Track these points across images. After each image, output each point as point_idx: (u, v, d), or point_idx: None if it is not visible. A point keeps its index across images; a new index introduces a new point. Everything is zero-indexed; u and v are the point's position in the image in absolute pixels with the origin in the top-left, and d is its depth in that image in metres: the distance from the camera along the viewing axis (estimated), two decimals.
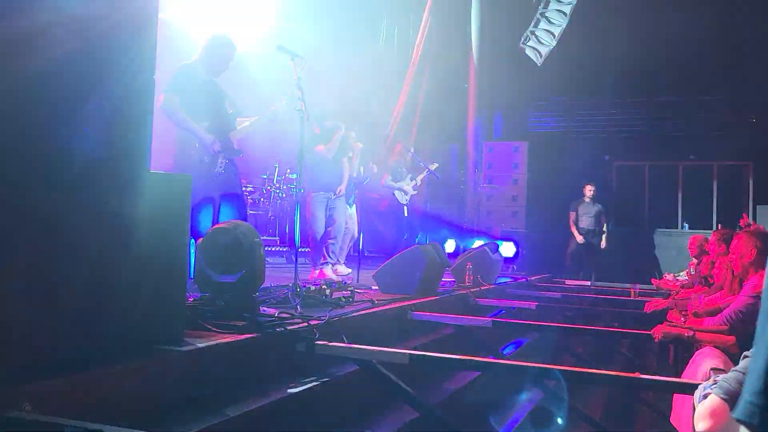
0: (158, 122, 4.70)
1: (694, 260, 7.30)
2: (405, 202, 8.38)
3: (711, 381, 1.73)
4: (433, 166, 8.56)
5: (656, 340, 3.82)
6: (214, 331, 2.75)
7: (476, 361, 3.46)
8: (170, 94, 4.47)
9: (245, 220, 4.74)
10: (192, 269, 3.16)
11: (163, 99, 4.46)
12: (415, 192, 8.54)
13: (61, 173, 2.00)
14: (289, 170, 9.07)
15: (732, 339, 3.56)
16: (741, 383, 1.60)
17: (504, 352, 4.84)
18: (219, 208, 4.61)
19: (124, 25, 2.28)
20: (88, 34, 2.11)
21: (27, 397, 1.75)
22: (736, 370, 1.63)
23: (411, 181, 8.44)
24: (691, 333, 3.67)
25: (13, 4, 1.89)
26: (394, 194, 8.40)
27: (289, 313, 3.34)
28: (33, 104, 1.93)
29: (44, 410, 1.76)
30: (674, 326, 3.96)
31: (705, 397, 1.61)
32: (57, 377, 1.86)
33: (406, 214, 8.36)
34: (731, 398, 1.55)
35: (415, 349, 3.81)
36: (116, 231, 2.21)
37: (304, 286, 4.05)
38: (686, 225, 11.44)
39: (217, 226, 3.28)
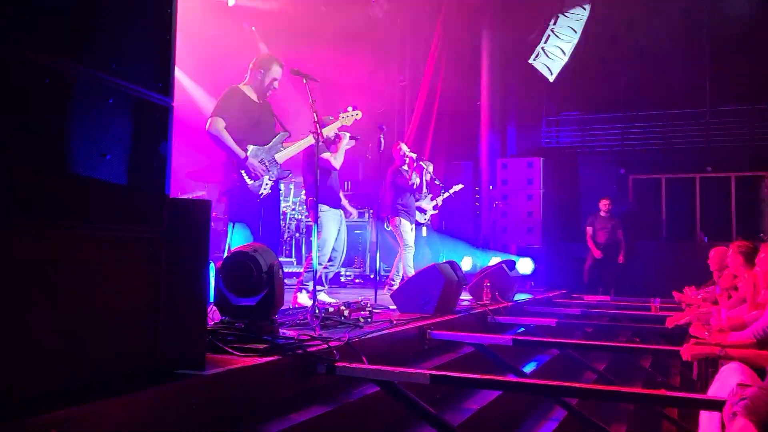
0: (207, 144, 4.74)
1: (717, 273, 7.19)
2: (424, 222, 7.91)
3: (739, 397, 1.71)
4: (457, 187, 8.39)
5: (687, 359, 3.67)
6: (235, 354, 2.76)
7: (497, 380, 3.44)
8: (216, 117, 4.50)
9: (277, 242, 4.72)
10: (212, 293, 3.17)
11: (209, 122, 4.52)
12: (436, 212, 8.19)
13: (81, 200, 2.03)
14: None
15: (766, 353, 3.42)
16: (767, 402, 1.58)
17: (524, 371, 4.80)
18: (255, 230, 4.61)
19: (142, 46, 2.32)
20: (106, 61, 2.15)
21: (54, 424, 1.76)
22: (762, 387, 1.61)
23: (432, 201, 7.97)
24: (723, 352, 3.53)
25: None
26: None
27: (309, 335, 3.34)
28: (54, 131, 1.97)
29: None
30: (702, 344, 3.83)
31: (734, 414, 1.60)
32: (81, 403, 1.87)
33: (424, 234, 7.96)
34: (758, 419, 1.54)
35: (434, 369, 3.80)
36: (135, 256, 2.24)
37: (323, 308, 4.05)
38: (705, 237, 11.32)
39: (235, 249, 3.30)
